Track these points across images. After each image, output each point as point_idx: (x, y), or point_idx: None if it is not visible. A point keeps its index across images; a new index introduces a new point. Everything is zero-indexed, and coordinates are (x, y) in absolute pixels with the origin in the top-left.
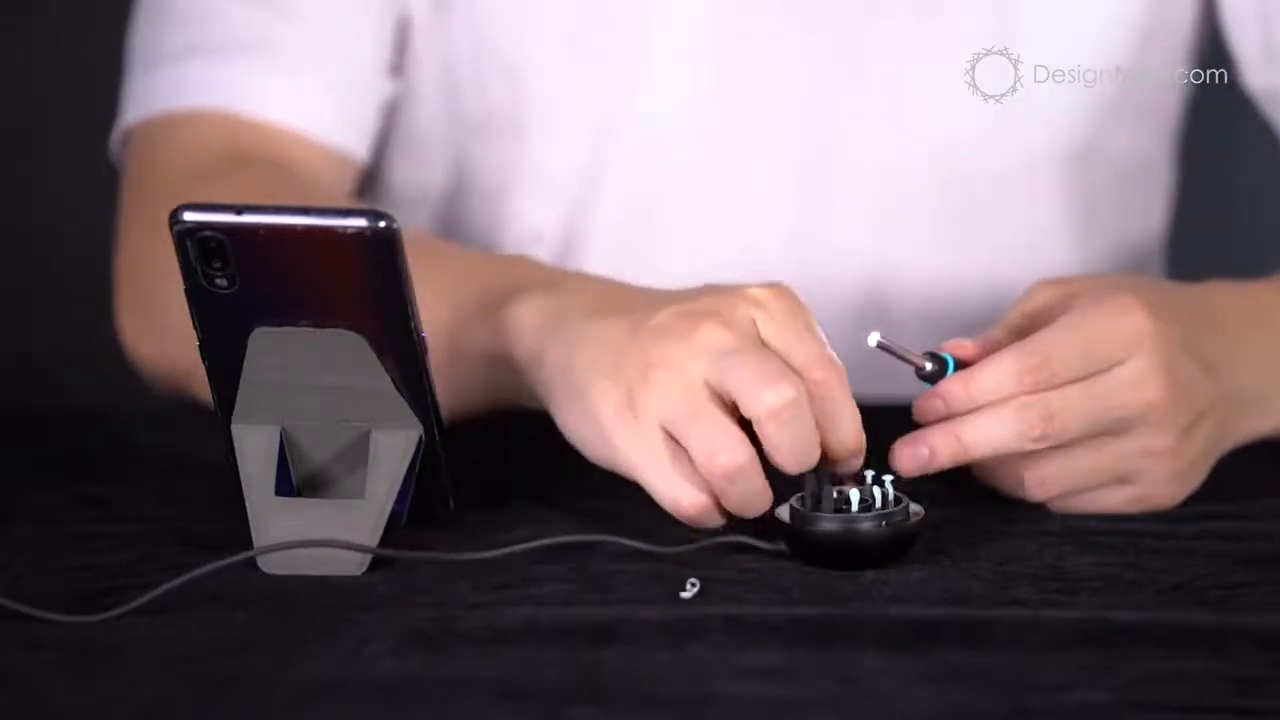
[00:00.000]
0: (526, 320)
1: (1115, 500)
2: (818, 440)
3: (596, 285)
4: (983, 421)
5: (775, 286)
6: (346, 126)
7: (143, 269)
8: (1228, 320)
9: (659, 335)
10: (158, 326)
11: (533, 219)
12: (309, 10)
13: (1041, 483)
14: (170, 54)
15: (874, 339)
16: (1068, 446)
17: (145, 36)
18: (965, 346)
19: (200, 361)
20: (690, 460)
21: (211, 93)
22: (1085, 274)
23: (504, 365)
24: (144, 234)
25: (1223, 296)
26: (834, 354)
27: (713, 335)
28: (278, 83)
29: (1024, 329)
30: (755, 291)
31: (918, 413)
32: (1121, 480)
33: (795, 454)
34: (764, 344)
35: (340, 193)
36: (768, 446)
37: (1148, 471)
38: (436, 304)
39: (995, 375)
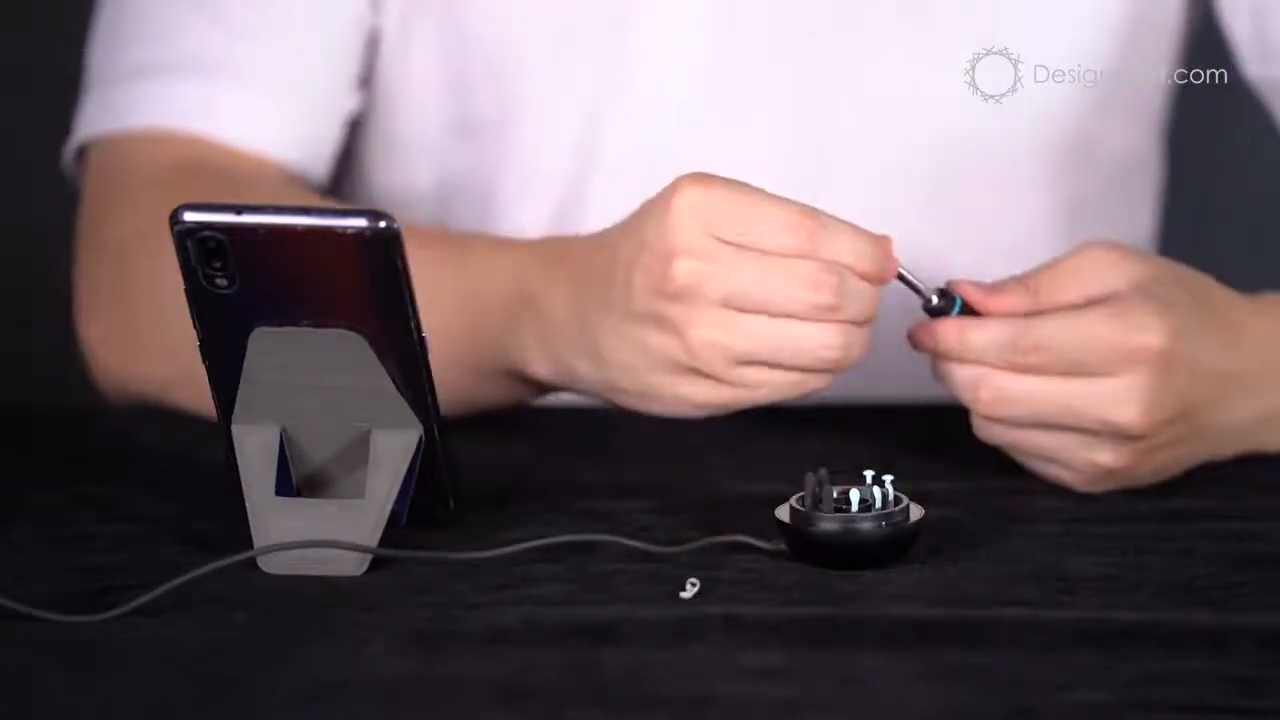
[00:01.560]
0: (532, 348)
1: (1041, 470)
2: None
3: (567, 284)
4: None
5: (684, 189)
6: (303, 145)
7: (110, 284)
8: (1245, 363)
9: (649, 308)
10: (129, 340)
11: (521, 221)
12: (267, 29)
13: (980, 430)
14: (127, 71)
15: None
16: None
17: (103, 52)
18: (972, 291)
19: (179, 372)
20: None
21: (166, 112)
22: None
23: (525, 380)
24: (100, 256)
25: (1248, 309)
26: (782, 201)
27: (696, 280)
28: (232, 102)
29: (1049, 286)
30: (681, 206)
31: (911, 339)
32: (1054, 461)
33: (866, 314)
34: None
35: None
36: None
37: (1077, 470)
38: (449, 316)
39: (986, 339)
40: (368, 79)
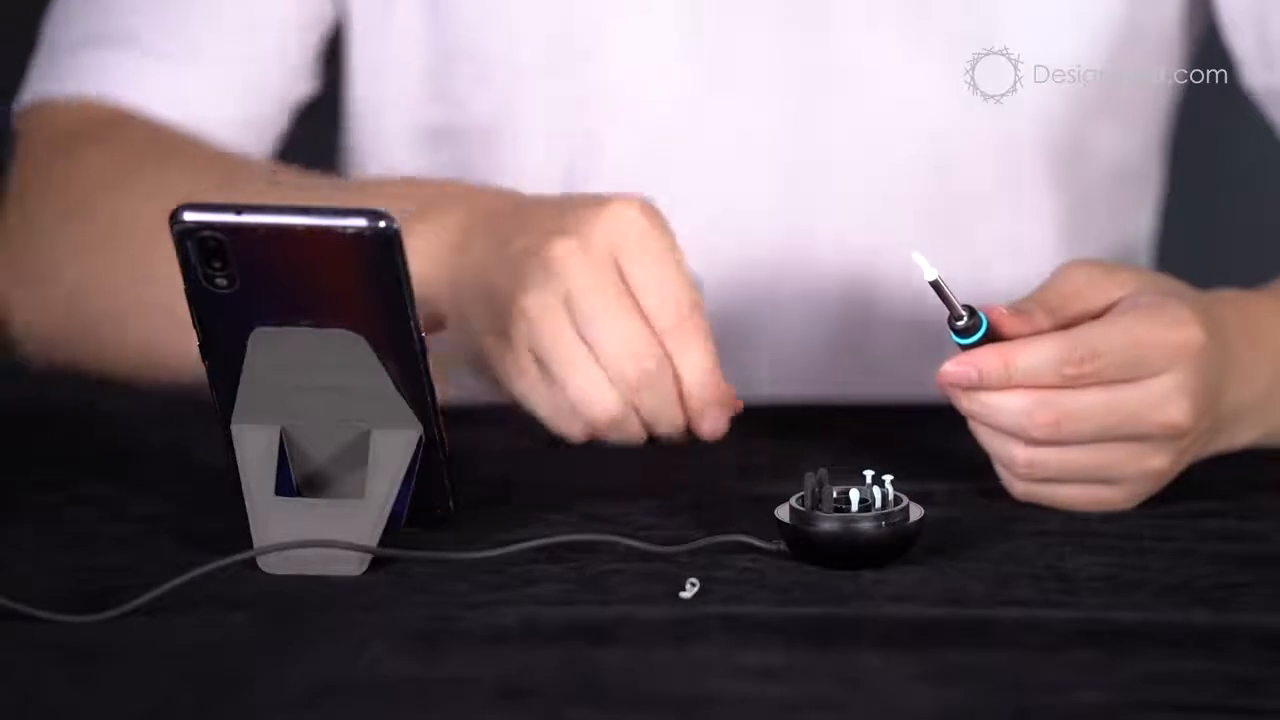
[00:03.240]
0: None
1: (1079, 496)
2: (677, 401)
3: (467, 214)
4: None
5: (634, 203)
6: (242, 126)
7: (19, 232)
8: (1227, 339)
9: (521, 264)
10: (35, 281)
11: None
12: (216, 10)
13: (1030, 465)
14: (68, 43)
15: (931, 274)
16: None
17: (54, 22)
18: (1003, 314)
19: (78, 320)
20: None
21: (96, 81)
22: (1120, 262)
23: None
24: (22, 201)
25: (1222, 309)
26: (691, 282)
27: (569, 268)
28: (171, 78)
29: (1059, 307)
30: (614, 213)
31: (947, 377)
32: (1100, 481)
33: (657, 419)
34: (623, 280)
35: (205, 145)
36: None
37: (1130, 482)
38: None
39: (1037, 359)
40: (319, 72)
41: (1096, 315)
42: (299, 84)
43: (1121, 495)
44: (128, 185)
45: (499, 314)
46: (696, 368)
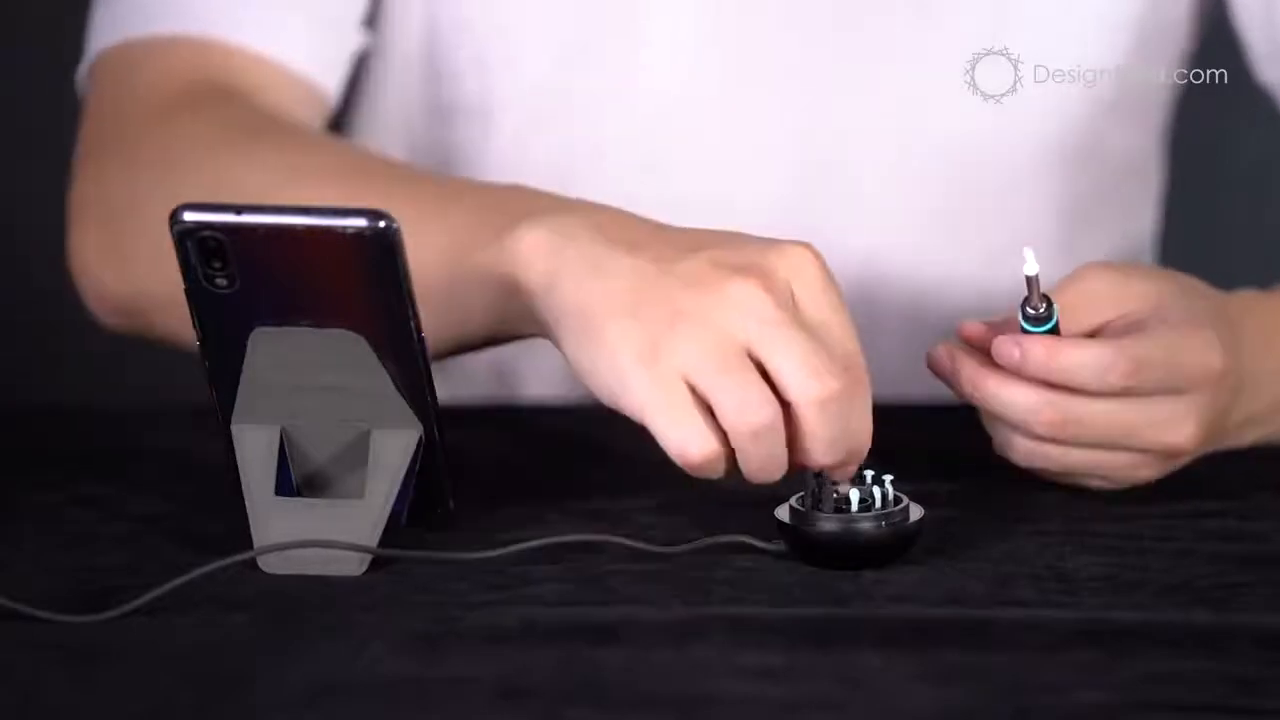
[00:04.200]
0: (539, 243)
1: (1072, 482)
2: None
3: (615, 212)
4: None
5: (807, 249)
6: (322, 63)
7: (108, 198)
8: (1243, 358)
9: (691, 283)
10: (124, 254)
11: None
12: None
13: (1028, 456)
14: None
15: (1033, 269)
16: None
17: None
18: (981, 328)
19: (168, 298)
20: (704, 412)
21: (182, 18)
22: (1131, 262)
23: (510, 291)
24: (109, 164)
25: (1241, 317)
26: (855, 334)
27: (750, 296)
28: (254, 11)
29: (1079, 311)
30: (791, 252)
31: (995, 346)
32: (1093, 476)
33: (832, 445)
34: (802, 318)
35: (311, 129)
36: (805, 436)
37: (1121, 480)
38: (433, 229)
39: (1083, 360)
40: (373, 20)
41: (1114, 321)
42: (361, 34)
43: (1106, 487)
44: (241, 151)
45: (634, 319)
46: (865, 417)
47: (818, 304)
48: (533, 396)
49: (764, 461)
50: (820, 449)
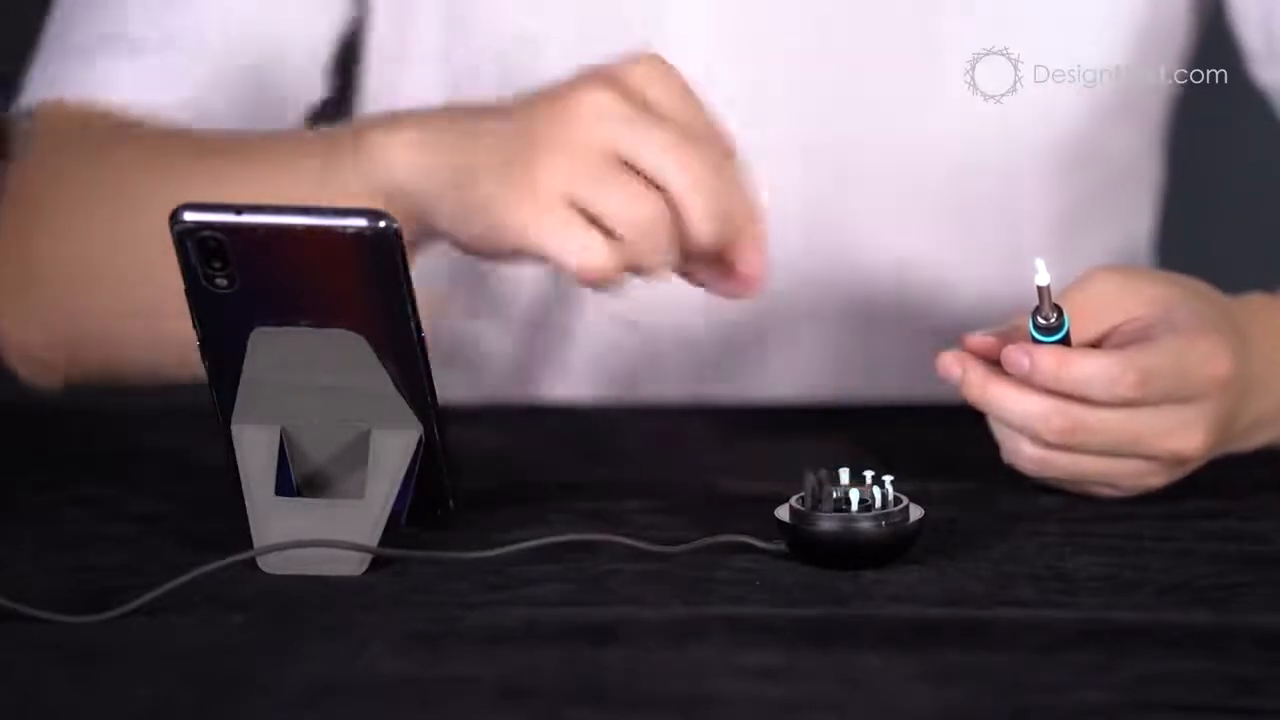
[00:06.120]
0: (410, 142)
1: (1080, 490)
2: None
3: (441, 107)
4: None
5: (655, 56)
6: (248, 124)
7: (19, 248)
8: (1251, 364)
9: (547, 113)
10: (37, 307)
11: None
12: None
13: (1038, 464)
14: (75, 47)
15: (1043, 278)
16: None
17: (56, 24)
18: (986, 340)
19: (92, 331)
20: (594, 225)
21: (68, 85)
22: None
23: (385, 201)
24: (24, 213)
25: (1249, 323)
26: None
27: (603, 102)
28: (133, 69)
29: (1087, 315)
30: (640, 60)
31: (1005, 355)
32: (1101, 484)
33: (715, 220)
34: (659, 113)
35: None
36: (687, 219)
37: (1128, 488)
38: (301, 169)
39: (1091, 371)
40: (344, 66)
41: (1122, 326)
42: (314, 89)
43: (1114, 494)
44: (162, 170)
45: (506, 166)
46: (741, 187)
47: (672, 100)
48: (553, 398)
49: (652, 255)
50: (706, 228)
